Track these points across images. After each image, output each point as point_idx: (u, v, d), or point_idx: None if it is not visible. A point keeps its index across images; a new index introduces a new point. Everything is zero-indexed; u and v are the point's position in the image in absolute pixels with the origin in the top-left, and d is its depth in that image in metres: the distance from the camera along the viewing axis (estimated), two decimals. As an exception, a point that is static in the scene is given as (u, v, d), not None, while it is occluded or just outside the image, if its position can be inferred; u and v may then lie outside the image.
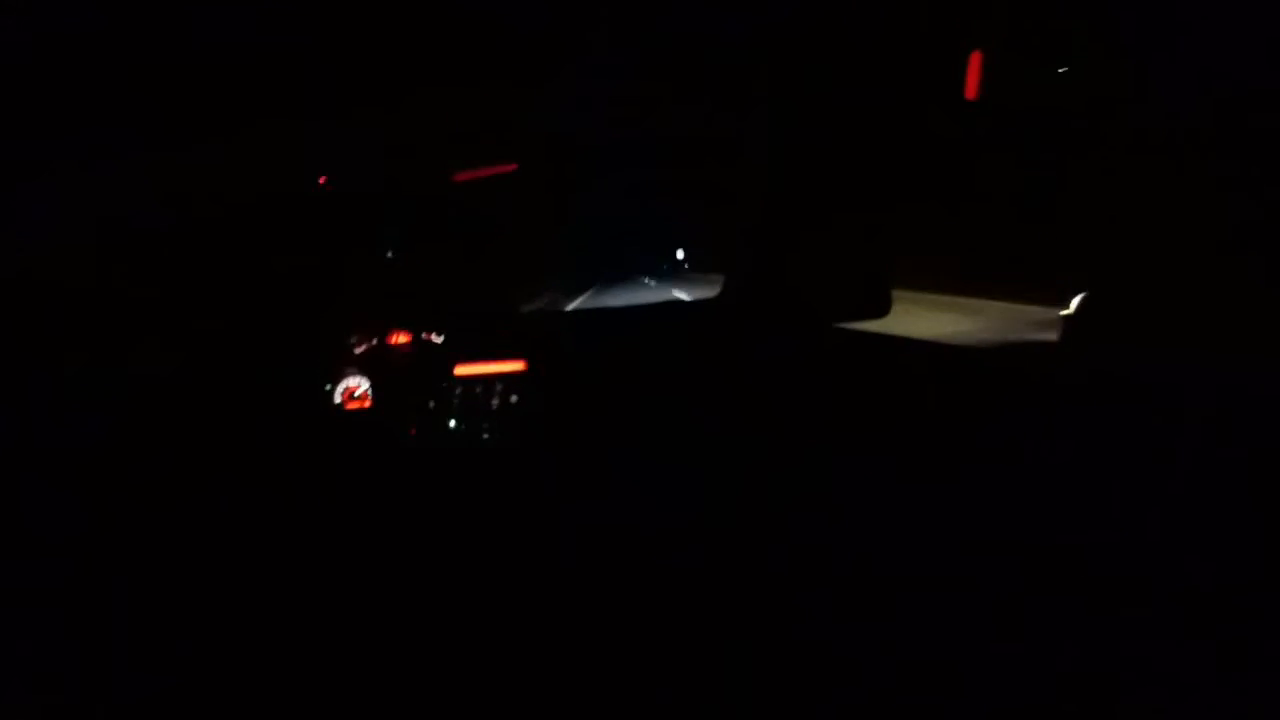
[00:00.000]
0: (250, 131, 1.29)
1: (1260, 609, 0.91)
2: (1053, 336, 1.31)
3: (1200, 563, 0.95)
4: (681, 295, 1.75)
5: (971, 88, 1.22)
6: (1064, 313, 1.23)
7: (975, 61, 1.22)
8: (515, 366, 1.47)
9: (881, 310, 1.31)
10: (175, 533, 1.33)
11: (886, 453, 1.19)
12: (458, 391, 1.48)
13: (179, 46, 1.12)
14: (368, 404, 1.52)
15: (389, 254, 1.73)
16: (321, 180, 1.47)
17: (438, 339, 1.56)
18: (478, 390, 1.47)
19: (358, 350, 1.56)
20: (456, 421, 1.46)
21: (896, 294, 1.34)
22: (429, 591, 1.25)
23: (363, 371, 1.53)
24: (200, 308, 1.59)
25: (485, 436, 1.45)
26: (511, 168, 1.52)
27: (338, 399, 1.53)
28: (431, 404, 1.48)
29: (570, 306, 1.80)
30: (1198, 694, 0.89)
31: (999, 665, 0.98)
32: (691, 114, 1.49)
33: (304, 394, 1.54)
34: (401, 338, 1.57)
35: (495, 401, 1.45)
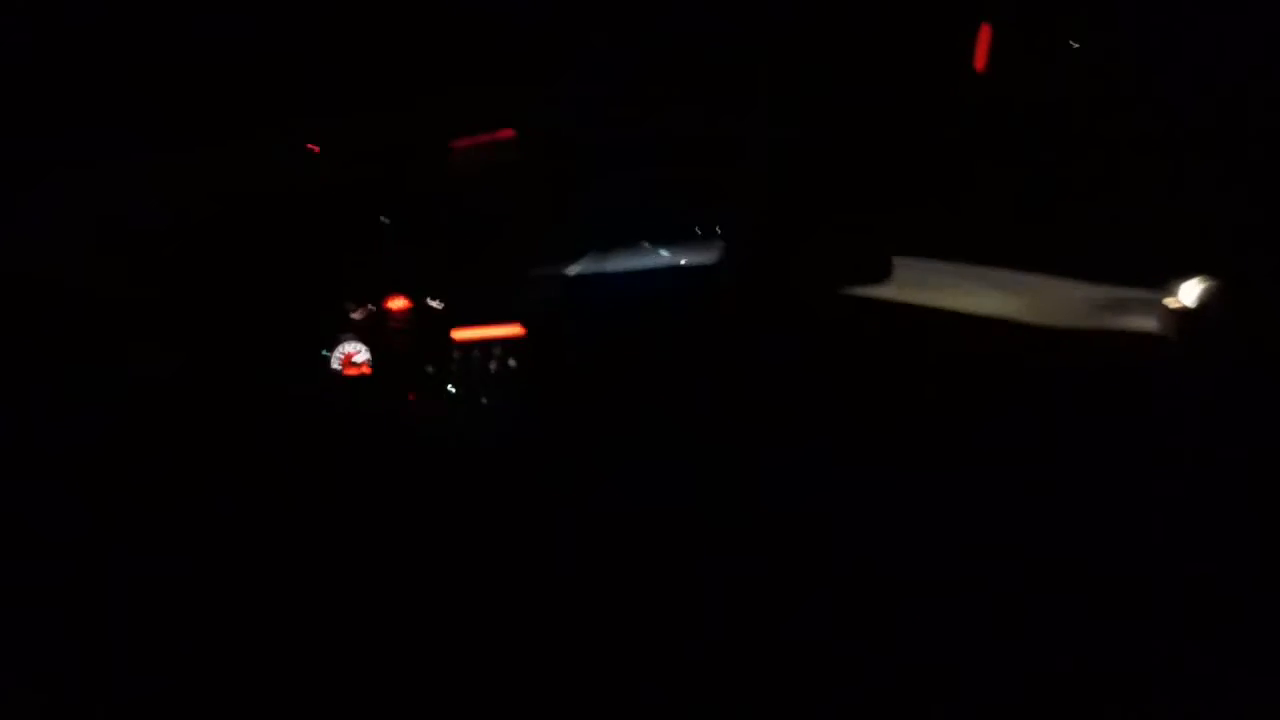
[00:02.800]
0: (250, 130, 1.29)
1: (1260, 609, 0.91)
2: (1142, 325, 1.18)
3: (1200, 563, 0.95)
4: (680, 260, 1.72)
5: (980, 59, 1.21)
6: (1174, 304, 1.12)
7: (985, 34, 1.21)
8: (514, 331, 1.46)
9: (881, 276, 1.29)
10: (175, 533, 1.33)
11: (888, 450, 1.19)
12: (456, 356, 1.47)
13: (179, 46, 1.12)
14: (368, 371, 1.52)
15: (389, 241, 1.70)
16: (315, 149, 1.45)
17: (436, 304, 1.54)
18: (476, 355, 1.46)
19: (356, 317, 1.56)
20: (455, 387, 1.46)
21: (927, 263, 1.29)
22: (428, 590, 1.25)
23: (362, 338, 1.53)
24: (200, 307, 1.58)
25: (483, 401, 1.44)
26: (509, 134, 1.50)
27: (336, 365, 1.53)
28: (430, 369, 1.47)
29: (570, 272, 1.77)
30: (1197, 694, 0.89)
31: (999, 665, 0.98)
32: (691, 114, 1.49)
33: (304, 395, 1.54)
34: (400, 303, 1.56)
35: (494, 366, 1.44)
